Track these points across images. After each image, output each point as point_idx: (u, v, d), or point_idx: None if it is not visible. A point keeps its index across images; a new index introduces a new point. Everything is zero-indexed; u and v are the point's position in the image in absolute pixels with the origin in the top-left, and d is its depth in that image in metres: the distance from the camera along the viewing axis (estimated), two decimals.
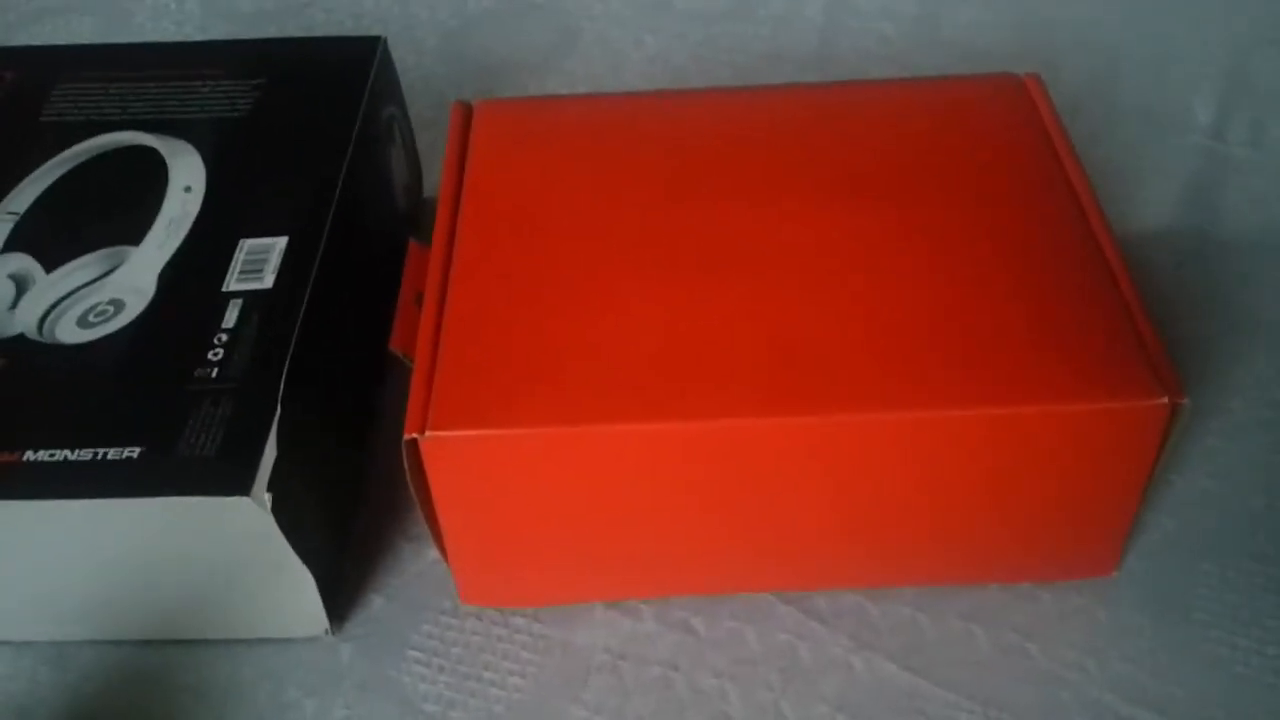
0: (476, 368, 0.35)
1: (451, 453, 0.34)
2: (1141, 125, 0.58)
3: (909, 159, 0.41)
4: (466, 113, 0.45)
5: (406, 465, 0.35)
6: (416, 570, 0.41)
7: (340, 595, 0.40)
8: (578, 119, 0.44)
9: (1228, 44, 0.62)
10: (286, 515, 0.35)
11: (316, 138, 0.45)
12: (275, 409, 0.36)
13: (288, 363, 0.37)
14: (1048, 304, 0.36)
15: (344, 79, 0.47)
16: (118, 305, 0.39)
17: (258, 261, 0.40)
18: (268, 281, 0.39)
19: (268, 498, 0.34)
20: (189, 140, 0.45)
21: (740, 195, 0.40)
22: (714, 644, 0.39)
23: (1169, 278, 0.50)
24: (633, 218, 0.40)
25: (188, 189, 0.43)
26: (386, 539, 0.42)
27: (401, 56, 0.53)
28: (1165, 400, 0.34)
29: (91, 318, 0.39)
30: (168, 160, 0.44)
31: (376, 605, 0.40)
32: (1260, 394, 0.46)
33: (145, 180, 0.43)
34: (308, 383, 0.38)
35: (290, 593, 0.37)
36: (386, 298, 0.39)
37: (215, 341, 0.38)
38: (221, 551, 0.36)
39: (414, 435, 0.34)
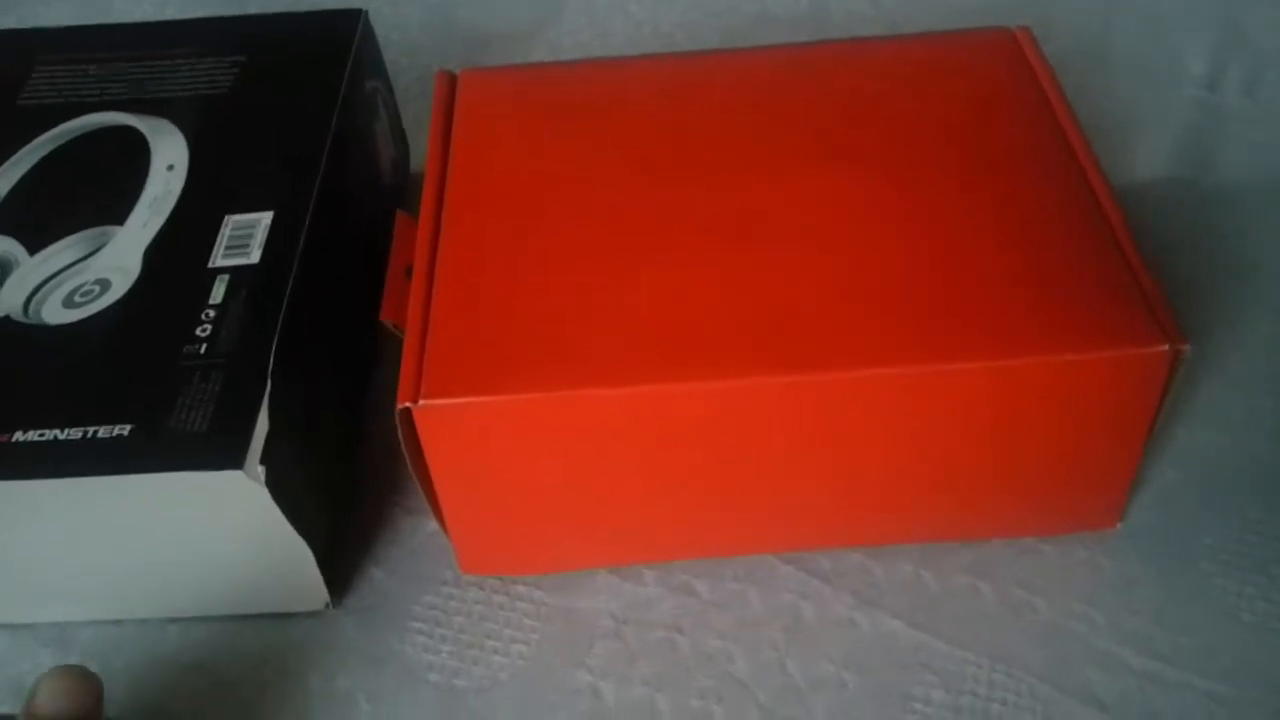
0: (468, 336, 0.35)
1: (445, 421, 0.34)
2: (1135, 78, 0.58)
3: (901, 116, 0.41)
4: (451, 83, 0.44)
5: (401, 436, 0.34)
6: (416, 542, 0.41)
7: (340, 568, 0.40)
8: (564, 86, 0.44)
9: None
10: (281, 488, 0.34)
11: (299, 112, 0.44)
12: (266, 382, 0.35)
13: (277, 336, 0.37)
14: (1045, 256, 0.36)
15: (326, 53, 0.47)
16: (103, 285, 0.39)
17: (243, 237, 0.40)
18: (254, 256, 0.39)
19: (261, 470, 0.34)
20: (170, 119, 0.44)
21: (730, 157, 0.40)
22: (717, 606, 0.39)
23: (1166, 228, 0.50)
24: (622, 183, 0.39)
25: (170, 167, 0.42)
26: (385, 512, 0.42)
27: (384, 30, 0.53)
28: (1167, 347, 0.33)
29: (77, 298, 0.38)
30: (149, 139, 0.43)
31: (377, 578, 0.40)
32: (1261, 344, 0.46)
33: (127, 160, 0.43)
34: (298, 356, 0.38)
35: (289, 567, 0.37)
36: (376, 270, 0.39)
37: (203, 317, 0.37)
38: (217, 527, 0.36)
39: (407, 404, 0.34)
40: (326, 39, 0.48)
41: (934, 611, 0.38)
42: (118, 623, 0.39)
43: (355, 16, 0.49)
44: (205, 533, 0.36)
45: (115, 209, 0.41)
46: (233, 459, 0.34)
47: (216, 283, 0.38)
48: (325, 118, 0.44)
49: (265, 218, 0.40)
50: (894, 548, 0.40)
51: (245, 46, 0.47)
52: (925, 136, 0.40)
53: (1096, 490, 0.38)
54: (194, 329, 0.37)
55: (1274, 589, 0.38)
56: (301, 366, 0.38)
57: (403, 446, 0.35)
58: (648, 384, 0.34)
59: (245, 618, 0.39)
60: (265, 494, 0.34)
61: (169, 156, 0.43)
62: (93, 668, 0.33)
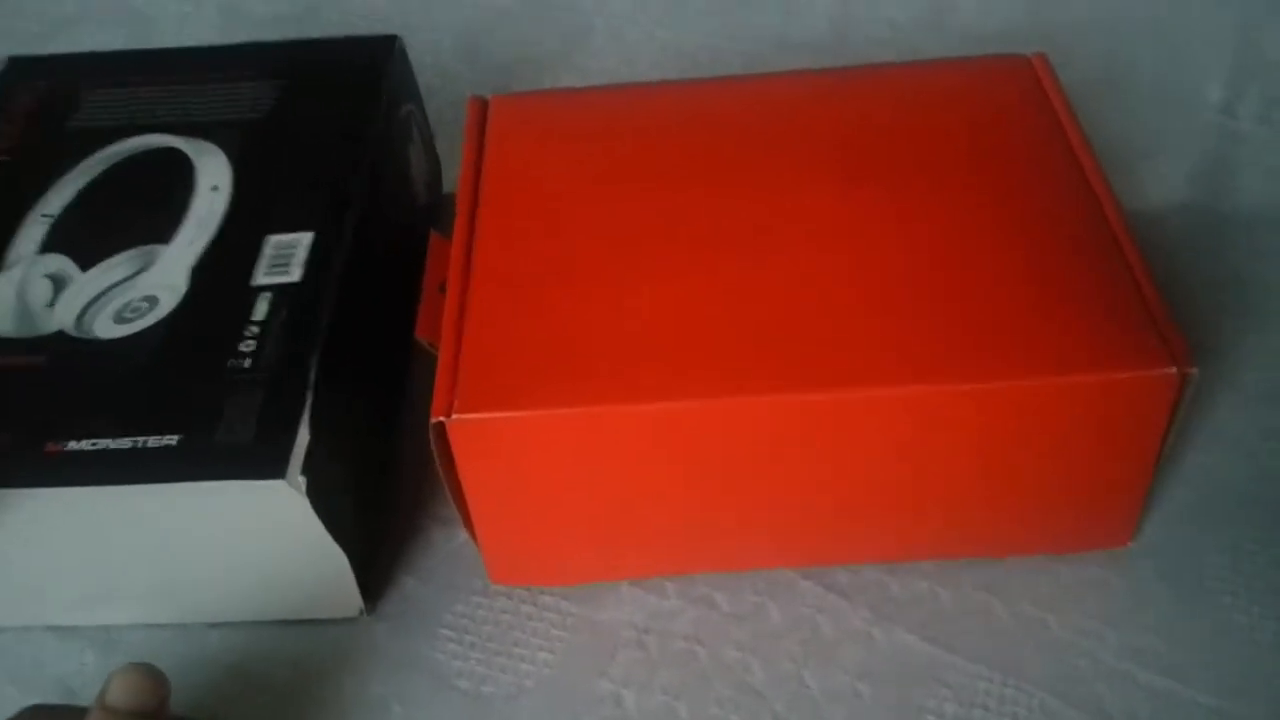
0: (499, 352, 0.36)
1: (477, 434, 0.35)
2: (1153, 103, 0.59)
3: (916, 140, 0.42)
4: (483, 107, 0.46)
5: (434, 448, 0.36)
6: (447, 552, 0.42)
7: (374, 577, 0.41)
8: (590, 110, 0.45)
9: (1239, 20, 0.63)
10: (321, 498, 0.36)
11: (337, 136, 0.46)
12: (308, 395, 0.37)
13: (318, 351, 0.38)
14: (1054, 278, 0.37)
15: (362, 78, 0.48)
16: (151, 301, 0.40)
17: (284, 256, 0.41)
18: (295, 275, 0.41)
19: (302, 481, 0.35)
20: (214, 141, 0.46)
21: (752, 179, 0.41)
22: (737, 618, 0.40)
23: (1182, 254, 0.51)
24: (647, 204, 0.41)
25: (215, 188, 0.44)
26: (418, 522, 0.43)
27: (418, 55, 0.54)
28: (1174, 370, 0.34)
29: (127, 313, 0.40)
30: (194, 161, 0.45)
31: (409, 586, 0.42)
32: (1273, 366, 0.47)
33: (173, 181, 0.45)
34: (338, 370, 0.39)
35: (326, 574, 0.39)
36: (411, 289, 0.41)
37: (247, 333, 0.39)
38: (259, 535, 0.37)
39: (440, 419, 0.35)
40: (363, 64, 0.49)
41: (948, 627, 0.39)
42: (161, 626, 0.40)
43: (390, 42, 0.51)
44: (247, 540, 0.37)
45: (162, 228, 0.43)
46: (276, 469, 0.35)
47: (259, 300, 0.40)
48: (362, 141, 0.46)
49: (306, 238, 0.42)
50: (910, 565, 0.41)
51: (285, 72, 0.49)
52: (938, 160, 0.41)
53: (1108, 509, 0.39)
54: (238, 344, 0.39)
55: None
56: (340, 381, 0.39)
57: (436, 459, 0.36)
58: (671, 400, 0.35)
59: (283, 623, 0.40)
60: (305, 503, 0.35)
61: (213, 178, 0.45)
62: None
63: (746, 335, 0.36)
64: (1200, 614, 0.39)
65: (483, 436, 0.36)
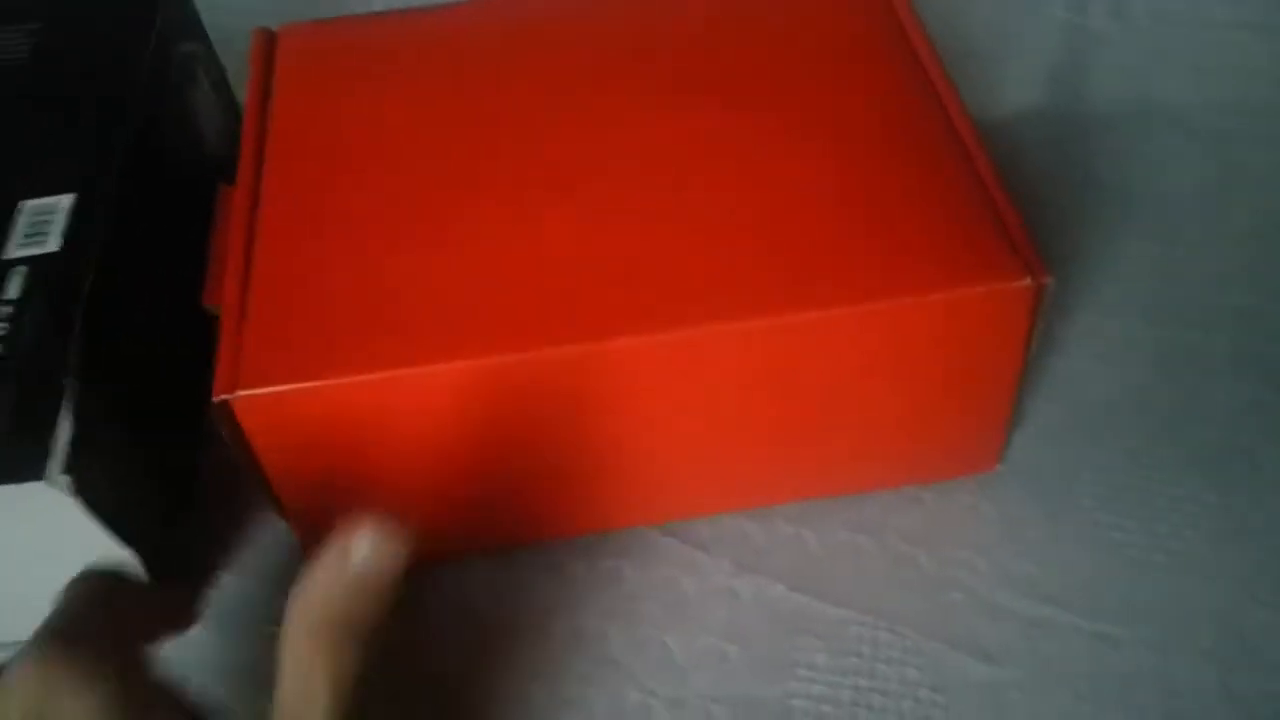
0: (289, 316, 0.32)
1: (269, 411, 0.31)
2: (999, 3, 0.56)
3: (745, 52, 0.38)
4: (269, 40, 0.40)
5: (224, 429, 0.31)
6: (268, 540, 0.38)
7: (187, 576, 0.37)
8: (389, 36, 0.40)
9: None
10: (96, 496, 0.31)
11: (101, 83, 0.40)
12: (68, 382, 0.32)
13: (80, 330, 0.33)
14: (899, 193, 0.34)
15: (130, 16, 0.42)
16: None
17: (41, 223, 0.36)
18: (53, 245, 0.35)
19: (65, 480, 0.30)
20: None
21: (567, 106, 0.37)
22: (592, 584, 0.37)
23: (1036, 159, 0.49)
24: (455, 141, 0.36)
25: None
26: (231, 512, 0.39)
27: None
28: (1029, 281, 0.32)
29: None
30: None
31: (228, 582, 0.37)
32: (1134, 269, 0.45)
33: None
34: (111, 351, 0.34)
35: None
36: (202, 250, 0.36)
37: None
38: (30, 542, 0.32)
39: (224, 396, 0.31)
40: (131, 1, 0.43)
41: (816, 572, 0.37)
42: None
43: None
44: (17, 548, 0.32)
45: None
46: (33, 470, 0.30)
47: (11, 275, 0.35)
48: (130, 87, 0.40)
49: (65, 201, 0.36)
50: (772, 509, 0.38)
51: (39, 12, 0.43)
52: (769, 73, 0.38)
53: (973, 432, 0.37)
54: None
55: (1156, 521, 0.38)
56: (115, 363, 0.34)
57: (227, 440, 0.32)
58: (486, 356, 0.31)
59: None
60: (73, 504, 0.31)
61: None
62: None
63: (567, 279, 0.32)
64: (1075, 534, 0.37)
65: (275, 412, 0.31)
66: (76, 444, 0.31)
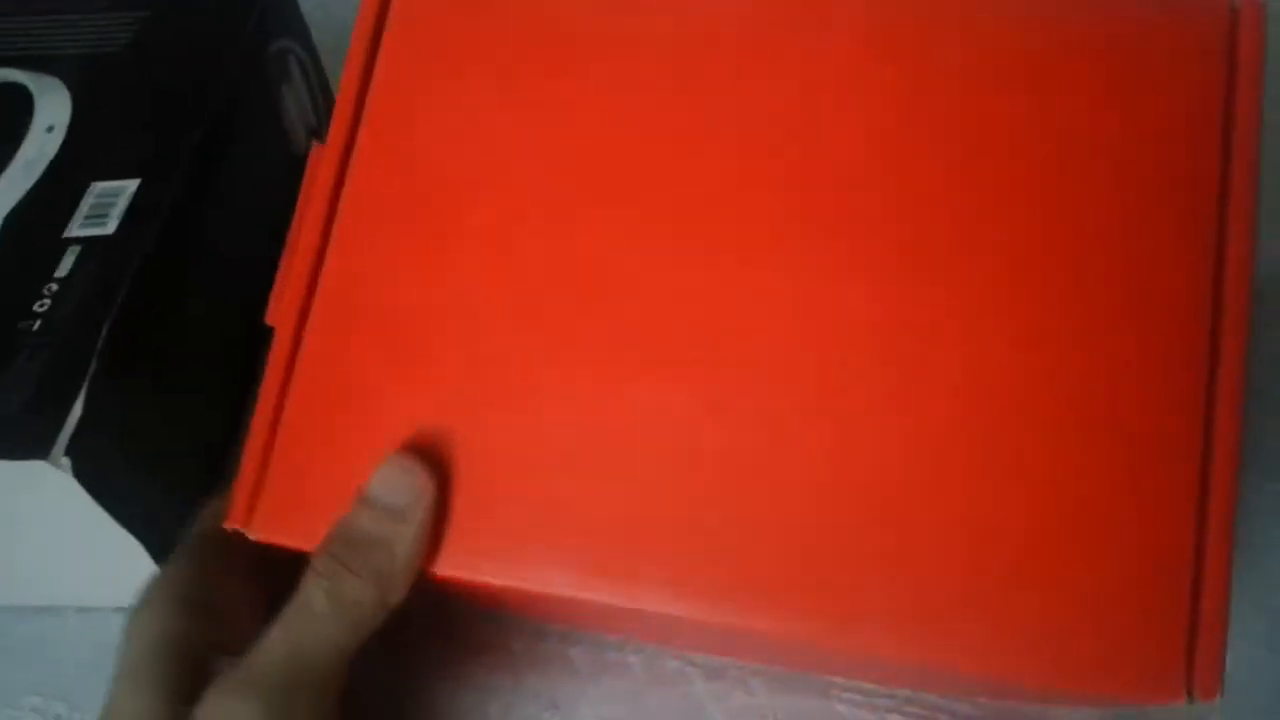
0: (320, 460, 0.30)
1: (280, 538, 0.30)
2: None
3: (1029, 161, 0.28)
4: (383, 8, 0.33)
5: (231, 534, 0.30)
6: None
7: None
8: (530, 13, 0.31)
9: None
10: (102, 479, 0.32)
11: (190, 73, 0.41)
12: (91, 364, 0.33)
13: (114, 314, 0.34)
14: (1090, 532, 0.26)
15: (229, 9, 0.44)
16: None
17: (105, 205, 0.37)
18: (110, 227, 0.36)
19: (66, 461, 0.31)
20: (60, 77, 0.42)
21: (750, 187, 0.28)
22: None
23: None
24: (600, 182, 0.29)
25: (50, 129, 0.40)
26: None
27: None
28: (1185, 701, 0.26)
29: None
30: (35, 98, 0.41)
31: None
32: None
33: (11, 119, 0.40)
34: (147, 341, 0.35)
35: (126, 561, 0.35)
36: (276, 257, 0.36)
37: (45, 291, 0.35)
38: (38, 515, 0.33)
39: (236, 528, 0.30)
40: None
41: None
42: None
43: None
44: (26, 519, 0.33)
45: None
46: (40, 447, 0.31)
47: (67, 254, 0.36)
48: (215, 79, 0.41)
49: (131, 185, 0.38)
50: None
51: (152, 2, 0.44)
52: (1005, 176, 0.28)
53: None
54: (33, 303, 0.35)
55: None
56: (151, 354, 0.35)
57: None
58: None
59: (85, 610, 0.36)
60: (75, 484, 0.31)
61: (50, 117, 0.40)
62: None
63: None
64: None
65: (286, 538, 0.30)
66: (85, 426, 0.32)
